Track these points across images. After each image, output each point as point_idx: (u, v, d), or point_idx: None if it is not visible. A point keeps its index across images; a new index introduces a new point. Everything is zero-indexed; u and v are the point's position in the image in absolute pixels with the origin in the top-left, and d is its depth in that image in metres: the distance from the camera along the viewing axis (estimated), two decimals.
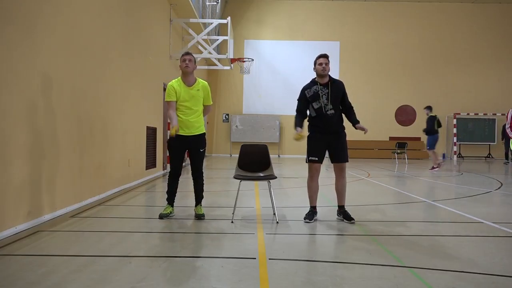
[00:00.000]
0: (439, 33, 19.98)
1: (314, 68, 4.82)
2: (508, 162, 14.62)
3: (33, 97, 4.27)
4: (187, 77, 4.82)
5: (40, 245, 3.71)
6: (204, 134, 4.99)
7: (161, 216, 4.82)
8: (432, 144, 12.26)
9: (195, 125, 4.84)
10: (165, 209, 4.91)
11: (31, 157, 4.25)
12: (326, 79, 4.78)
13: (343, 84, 4.87)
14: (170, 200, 4.96)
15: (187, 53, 4.87)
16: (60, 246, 3.72)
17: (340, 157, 4.77)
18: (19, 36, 4.02)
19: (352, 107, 4.92)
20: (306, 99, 4.79)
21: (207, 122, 19.27)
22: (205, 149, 5.03)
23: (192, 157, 4.96)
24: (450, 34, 19.98)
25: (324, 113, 4.69)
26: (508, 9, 19.98)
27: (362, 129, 4.72)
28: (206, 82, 5.01)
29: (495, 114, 19.63)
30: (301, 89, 4.88)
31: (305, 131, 4.96)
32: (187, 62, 4.76)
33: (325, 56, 4.77)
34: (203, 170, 5.04)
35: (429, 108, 12.75)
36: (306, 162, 4.84)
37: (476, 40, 19.95)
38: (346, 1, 20.09)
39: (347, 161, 4.82)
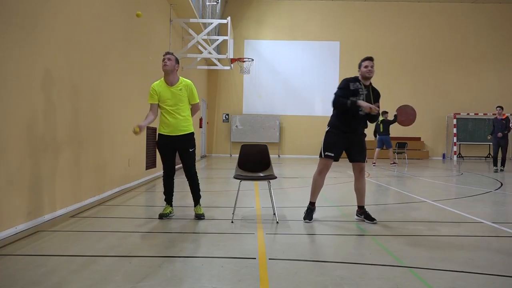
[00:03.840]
0: (439, 33, 19.97)
1: (359, 70, 4.73)
2: (498, 170, 12.58)
3: (33, 97, 4.28)
4: (168, 76, 4.80)
5: (40, 245, 3.71)
6: (192, 133, 4.92)
7: (161, 216, 4.82)
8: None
9: (181, 124, 4.80)
10: (164, 209, 4.91)
11: (31, 157, 4.25)
12: (368, 82, 4.75)
13: (379, 94, 4.82)
14: (168, 200, 4.96)
15: (167, 53, 4.86)
16: (60, 246, 3.72)
17: (359, 156, 4.73)
18: (20, 36, 4.02)
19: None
20: (349, 89, 4.64)
21: (207, 122, 19.27)
22: (194, 149, 4.97)
23: (182, 158, 4.92)
24: (450, 34, 19.97)
25: (357, 112, 4.59)
26: (508, 9, 19.96)
27: (375, 108, 4.53)
28: (190, 81, 4.95)
29: (495, 114, 19.61)
30: (343, 80, 4.74)
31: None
32: (165, 61, 4.75)
33: (371, 59, 4.69)
34: (196, 170, 4.99)
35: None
36: (321, 156, 4.76)
37: (476, 40, 19.93)
38: (346, 1, 20.08)
39: (365, 161, 4.82)
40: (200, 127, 16.33)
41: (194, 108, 5.00)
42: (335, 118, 4.77)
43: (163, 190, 5.00)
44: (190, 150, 4.89)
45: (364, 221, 4.74)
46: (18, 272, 2.98)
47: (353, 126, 4.68)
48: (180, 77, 4.91)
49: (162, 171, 5.02)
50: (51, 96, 4.63)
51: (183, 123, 4.82)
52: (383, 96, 17.13)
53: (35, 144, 4.31)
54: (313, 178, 4.87)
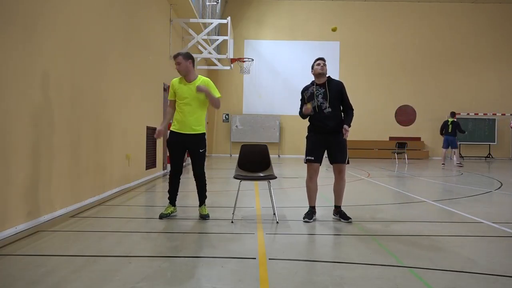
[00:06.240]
0: (439, 33, 19.97)
1: (312, 71, 4.90)
2: None
3: (33, 97, 4.28)
4: (186, 76, 4.86)
5: (40, 245, 3.71)
6: (203, 134, 4.93)
7: (161, 216, 4.82)
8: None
9: (192, 122, 4.80)
10: (166, 209, 4.90)
11: (31, 157, 4.25)
12: (323, 79, 4.84)
13: (342, 84, 4.89)
14: (172, 199, 4.95)
15: (175, 56, 4.87)
16: (60, 246, 3.72)
17: (338, 157, 4.76)
18: (20, 36, 4.02)
19: (351, 109, 4.87)
20: (304, 99, 4.93)
21: (207, 122, 19.27)
22: (205, 150, 4.98)
23: (192, 158, 4.93)
24: (450, 34, 19.97)
25: (321, 111, 4.73)
26: (508, 9, 19.96)
27: (345, 131, 4.68)
28: (208, 78, 4.97)
29: (495, 114, 19.63)
30: (301, 90, 5.00)
31: (304, 132, 4.99)
32: (176, 66, 4.82)
33: (322, 58, 4.92)
34: (204, 171, 5.00)
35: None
36: (305, 162, 4.86)
37: (476, 40, 19.94)
38: (346, 1, 20.08)
39: (347, 163, 4.81)
40: None
41: (215, 102, 4.86)
42: (309, 123, 4.94)
43: (166, 189, 4.98)
44: (201, 151, 4.89)
45: (340, 220, 4.77)
46: (18, 272, 2.98)
47: (324, 125, 4.72)
48: (199, 75, 4.94)
49: (169, 169, 5.02)
50: (51, 96, 4.63)
51: (195, 122, 4.81)
52: (384, 96, 17.15)
53: (35, 144, 4.31)
54: (306, 185, 4.91)
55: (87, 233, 4.21)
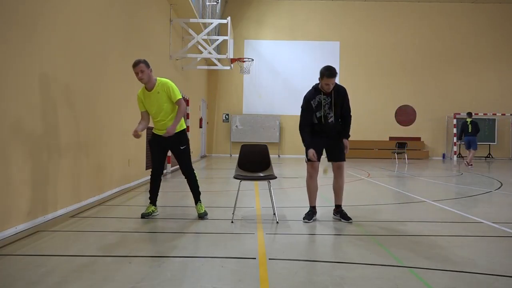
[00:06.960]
0: (439, 33, 19.96)
1: (319, 79, 4.68)
2: None
3: (33, 97, 4.28)
4: (147, 84, 4.73)
5: (40, 245, 3.71)
6: (181, 131, 4.84)
7: (143, 216, 4.82)
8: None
9: (167, 124, 4.74)
10: (147, 209, 4.92)
11: (32, 157, 4.25)
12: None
13: (345, 91, 4.79)
14: (152, 199, 4.95)
15: (136, 64, 4.64)
16: (60, 246, 3.72)
17: (338, 155, 4.81)
18: (20, 37, 4.02)
19: (349, 117, 4.84)
20: (311, 108, 4.74)
21: (207, 122, 19.26)
22: (187, 146, 4.90)
23: (176, 156, 4.92)
24: (450, 34, 19.96)
25: (326, 122, 4.73)
26: (508, 9, 19.95)
27: (345, 147, 4.77)
28: (166, 79, 4.80)
29: (495, 114, 19.62)
30: (304, 97, 4.78)
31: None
32: (139, 74, 4.63)
33: (333, 75, 4.55)
34: (192, 167, 4.95)
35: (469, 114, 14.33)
36: (306, 162, 4.87)
37: (476, 40, 19.93)
38: (346, 1, 20.07)
39: (344, 160, 4.86)
40: (200, 127, 16.31)
41: (178, 107, 4.76)
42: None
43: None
44: (181, 148, 4.85)
45: (340, 220, 4.77)
46: (18, 272, 2.98)
47: (327, 134, 4.79)
48: (157, 78, 4.78)
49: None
50: (51, 96, 4.63)
51: (169, 123, 4.75)
52: (384, 96, 17.21)
53: (35, 144, 4.31)
54: (306, 184, 4.92)
55: (87, 233, 4.21)
